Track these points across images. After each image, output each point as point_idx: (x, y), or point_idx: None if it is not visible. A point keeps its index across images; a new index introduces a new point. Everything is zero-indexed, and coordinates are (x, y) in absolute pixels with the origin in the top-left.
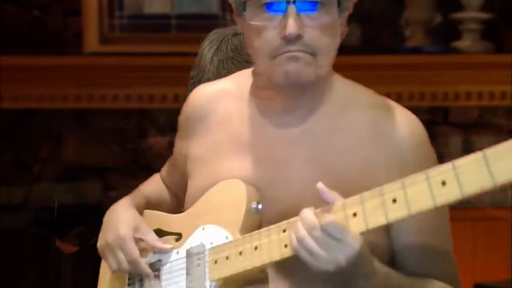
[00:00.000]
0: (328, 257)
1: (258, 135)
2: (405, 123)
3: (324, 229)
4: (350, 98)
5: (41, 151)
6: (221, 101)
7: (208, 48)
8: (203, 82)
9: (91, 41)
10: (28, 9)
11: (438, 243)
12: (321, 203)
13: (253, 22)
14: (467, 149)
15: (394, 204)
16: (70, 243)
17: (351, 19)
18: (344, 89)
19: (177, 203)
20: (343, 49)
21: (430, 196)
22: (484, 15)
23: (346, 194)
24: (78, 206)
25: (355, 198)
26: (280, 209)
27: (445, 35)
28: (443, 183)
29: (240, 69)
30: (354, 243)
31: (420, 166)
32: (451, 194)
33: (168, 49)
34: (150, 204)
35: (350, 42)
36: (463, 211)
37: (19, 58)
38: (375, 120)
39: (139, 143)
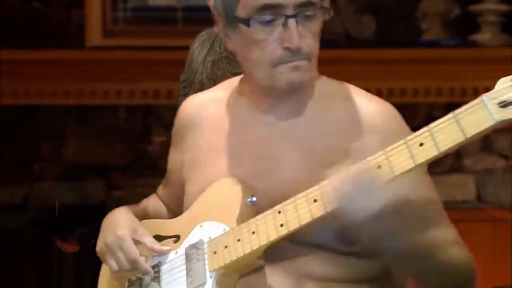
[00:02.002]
0: (364, 204)
1: (249, 132)
2: (384, 110)
3: (359, 177)
4: (330, 91)
5: (42, 149)
6: (211, 108)
7: (199, 49)
8: (196, 85)
9: (94, 34)
10: (28, 1)
11: (422, 192)
12: (310, 187)
13: (254, 36)
14: (486, 147)
15: (379, 170)
16: (72, 244)
17: (365, 11)
18: (324, 84)
19: (173, 218)
20: (357, 43)
21: (410, 157)
22: (504, 7)
23: (331, 176)
24: (81, 206)
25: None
26: (272, 198)
27: (463, 28)
28: (421, 144)
29: (235, 68)
30: (386, 192)
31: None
32: (428, 152)
33: (174, 42)
34: (147, 217)
35: (364, 35)
36: (482, 212)
37: (19, 52)
38: (356, 108)
39: (144, 140)
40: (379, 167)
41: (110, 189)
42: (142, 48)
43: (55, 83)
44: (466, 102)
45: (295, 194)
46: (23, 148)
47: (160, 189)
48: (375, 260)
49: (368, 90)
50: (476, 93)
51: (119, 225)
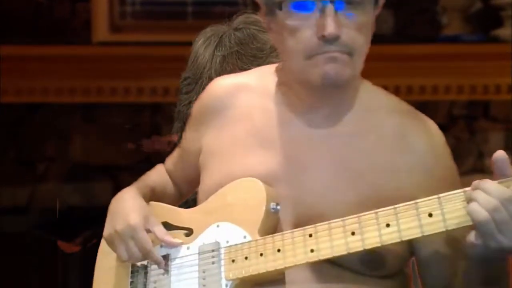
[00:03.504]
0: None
1: (281, 132)
2: (430, 131)
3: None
4: (375, 102)
5: (47, 148)
6: (241, 95)
7: (205, 45)
8: (204, 81)
9: (101, 29)
10: None
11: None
12: (339, 205)
13: (289, 22)
14: (510, 147)
15: (430, 218)
16: (74, 244)
17: (382, 5)
18: (369, 93)
19: (179, 196)
20: (374, 38)
21: None
22: None
23: (366, 196)
24: (87, 208)
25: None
26: (296, 208)
27: (485, 22)
28: None
29: (246, 64)
30: None
31: (448, 174)
32: None
33: (184, 38)
34: (155, 196)
35: (382, 31)
36: None
37: (23, 48)
38: (400, 125)
39: (153, 139)
40: (430, 215)
41: (117, 190)
42: (151, 43)
43: (60, 80)
44: (488, 100)
45: (320, 208)
46: (26, 148)
47: (170, 164)
48: (395, 279)
49: (386, 88)
50: (498, 91)
51: (131, 212)
